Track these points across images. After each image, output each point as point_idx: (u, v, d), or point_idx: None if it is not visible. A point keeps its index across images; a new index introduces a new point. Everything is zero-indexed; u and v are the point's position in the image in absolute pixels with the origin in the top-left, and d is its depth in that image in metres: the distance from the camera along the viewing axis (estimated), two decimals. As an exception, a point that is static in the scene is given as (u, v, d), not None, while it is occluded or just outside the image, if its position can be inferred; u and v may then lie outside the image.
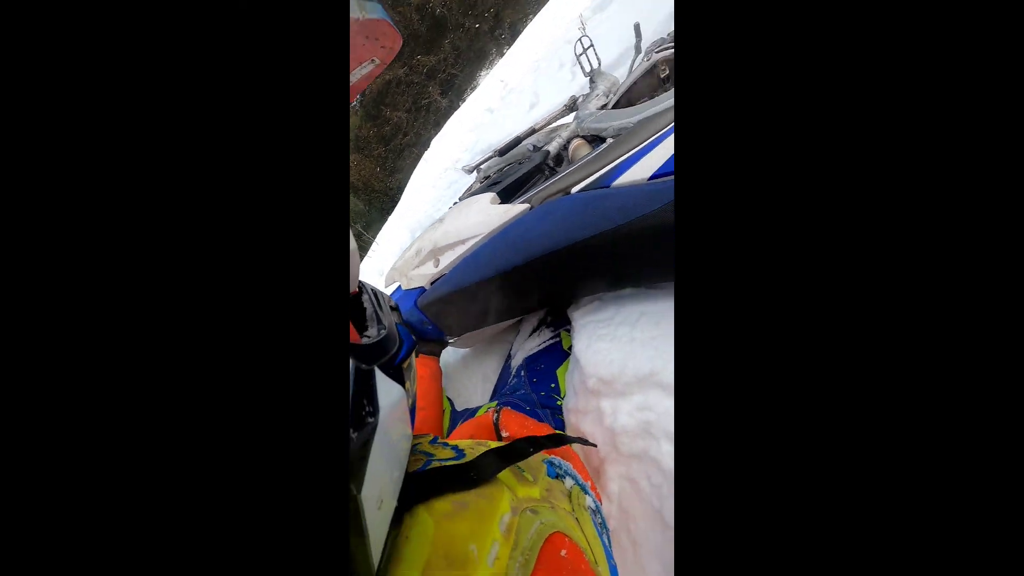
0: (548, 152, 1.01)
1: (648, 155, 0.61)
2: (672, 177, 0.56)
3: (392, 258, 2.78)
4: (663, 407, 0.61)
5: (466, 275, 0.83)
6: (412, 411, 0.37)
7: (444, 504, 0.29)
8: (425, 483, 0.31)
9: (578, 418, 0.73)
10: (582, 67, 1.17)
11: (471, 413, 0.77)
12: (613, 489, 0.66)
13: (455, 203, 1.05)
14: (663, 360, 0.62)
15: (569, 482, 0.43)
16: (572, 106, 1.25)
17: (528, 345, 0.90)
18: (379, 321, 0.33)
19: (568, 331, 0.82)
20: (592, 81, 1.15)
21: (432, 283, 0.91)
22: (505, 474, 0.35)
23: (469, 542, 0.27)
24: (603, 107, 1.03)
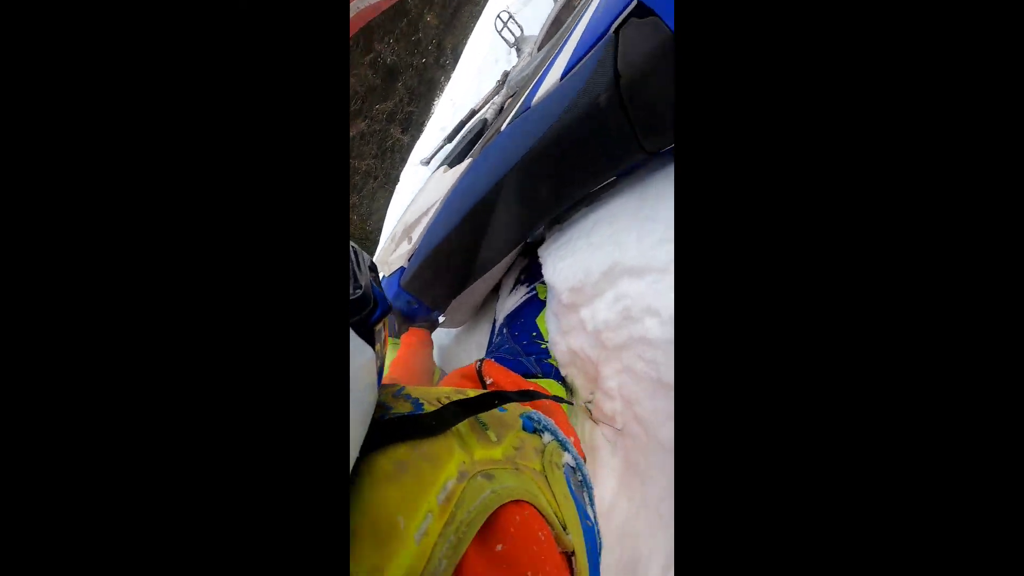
0: (486, 120, 1.06)
1: (556, 60, 0.65)
2: (584, 59, 0.58)
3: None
4: (635, 290, 0.63)
5: (433, 237, 0.86)
6: (380, 373, 0.36)
7: (386, 463, 0.27)
8: (373, 434, 0.28)
9: (565, 340, 0.75)
10: (505, 41, 1.23)
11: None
12: (612, 386, 0.68)
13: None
14: (621, 249, 0.65)
15: (547, 437, 0.41)
16: (504, 80, 1.31)
17: (507, 304, 0.92)
18: (355, 279, 0.33)
19: (543, 283, 0.84)
20: (518, 50, 1.21)
21: (410, 259, 0.95)
22: (467, 432, 0.33)
23: (398, 512, 0.24)
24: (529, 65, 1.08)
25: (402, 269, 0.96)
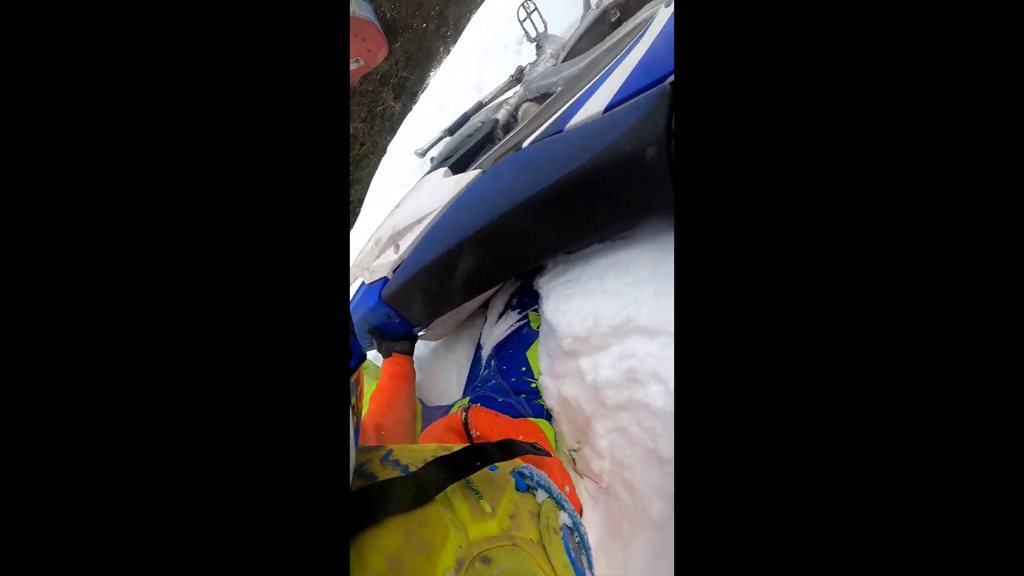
0: (497, 120, 0.98)
1: (601, 87, 0.58)
2: (633, 100, 0.51)
3: (354, 281, 2.70)
4: (644, 351, 0.58)
5: (426, 253, 0.79)
6: (356, 430, 0.34)
7: (378, 559, 0.25)
8: (357, 508, 0.27)
9: (557, 384, 0.70)
10: (527, 33, 1.14)
11: (442, 412, 0.73)
12: (603, 445, 0.64)
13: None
14: (637, 305, 0.60)
15: (541, 495, 0.39)
16: (519, 76, 1.22)
17: (496, 332, 0.86)
18: None
19: (536, 311, 0.78)
20: (539, 47, 1.12)
21: (394, 271, 0.87)
22: (459, 503, 0.31)
23: None
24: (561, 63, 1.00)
25: (385, 280, 0.88)
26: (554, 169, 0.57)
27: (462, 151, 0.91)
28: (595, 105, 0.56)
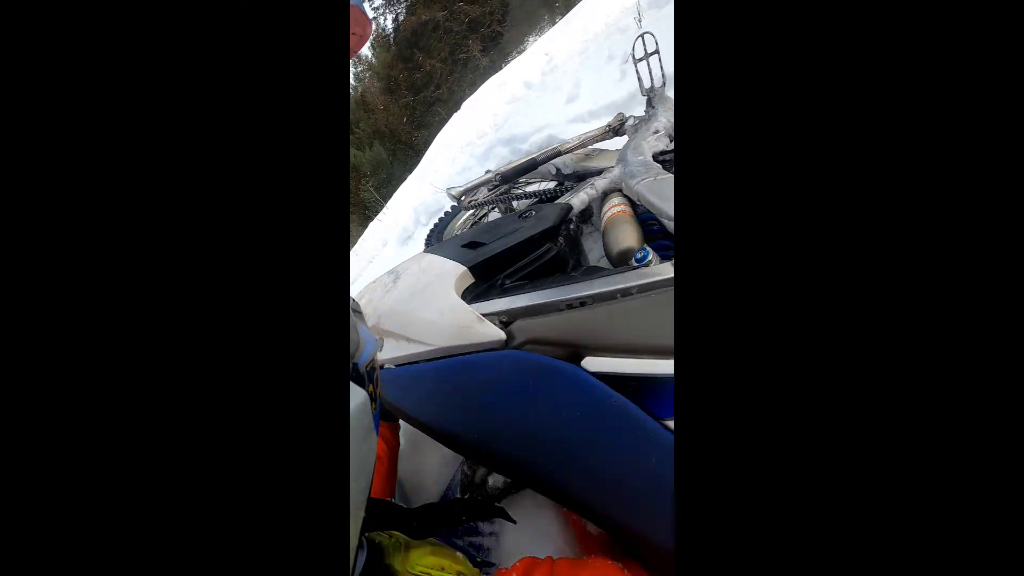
0: (571, 207, 0.68)
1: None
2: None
3: (399, 228, 2.52)
4: None
5: (407, 400, 0.54)
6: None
7: None
8: (380, 514, 0.31)
9: None
10: (640, 80, 0.81)
11: None
12: None
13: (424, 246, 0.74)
14: None
15: None
16: (618, 129, 0.90)
17: None
18: None
19: None
20: (650, 104, 0.80)
21: (397, 364, 0.62)
22: None
23: None
24: (662, 154, 0.68)
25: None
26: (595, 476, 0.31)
27: (503, 244, 0.62)
28: None
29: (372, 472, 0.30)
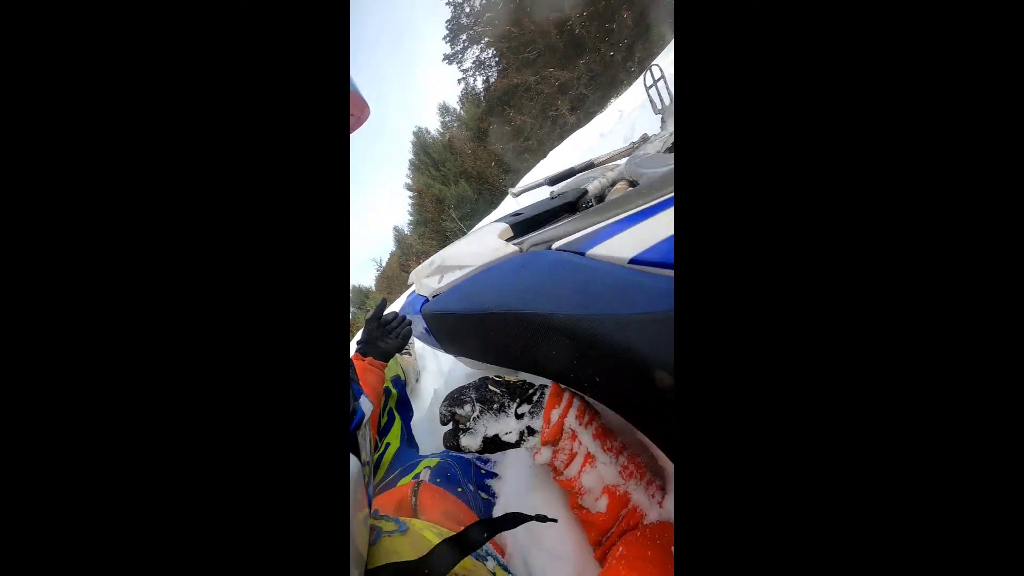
0: (586, 191, 0.92)
1: (637, 225, 0.49)
2: (661, 272, 0.42)
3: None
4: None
5: (450, 302, 0.78)
6: (369, 486, 0.34)
7: None
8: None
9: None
10: (652, 101, 1.05)
11: (404, 470, 0.72)
12: None
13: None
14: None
15: (491, 563, 0.41)
16: (641, 144, 1.13)
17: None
18: None
19: None
20: (664, 120, 1.03)
21: (433, 296, 0.88)
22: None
23: None
24: (668, 151, 0.91)
25: (426, 299, 0.89)
26: (554, 302, 0.50)
27: (534, 212, 0.87)
28: (621, 246, 0.47)
29: (366, 546, 0.29)
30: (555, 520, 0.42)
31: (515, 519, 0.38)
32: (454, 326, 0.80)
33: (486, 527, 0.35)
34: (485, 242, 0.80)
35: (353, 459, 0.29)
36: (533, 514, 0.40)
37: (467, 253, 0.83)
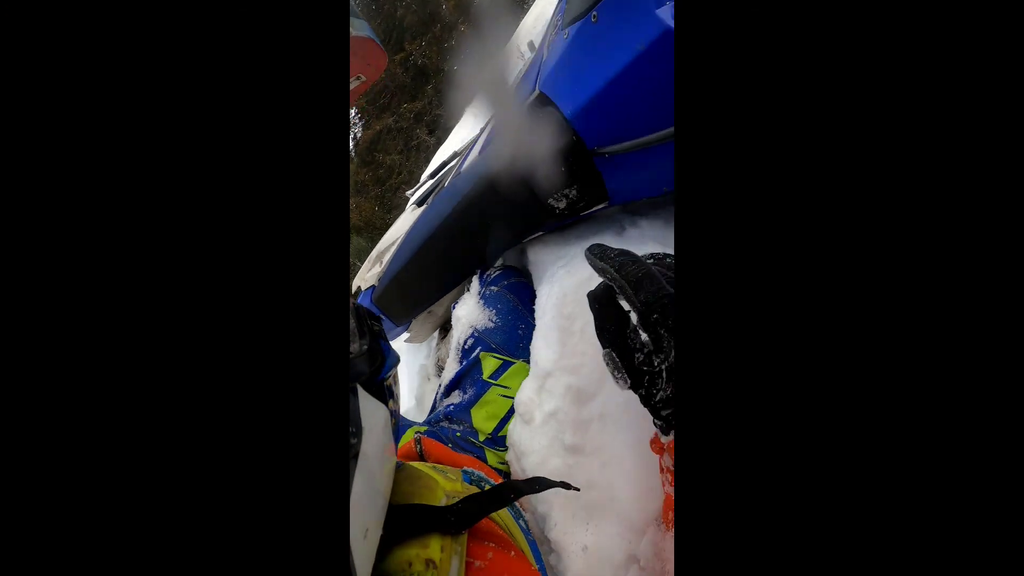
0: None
1: (483, 135, 0.82)
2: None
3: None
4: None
5: (396, 263, 1.06)
6: (396, 432, 0.35)
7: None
8: (408, 520, 0.30)
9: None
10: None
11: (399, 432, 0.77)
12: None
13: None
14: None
15: (522, 522, 0.44)
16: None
17: (448, 369, 0.81)
18: (360, 335, 0.32)
19: (489, 351, 0.74)
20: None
21: (379, 279, 1.16)
22: (429, 474, 0.37)
23: None
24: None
25: (373, 287, 1.17)
26: (446, 206, 0.83)
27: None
28: (477, 148, 0.81)
29: (390, 492, 0.29)
30: (578, 489, 0.44)
31: (541, 483, 0.40)
32: (404, 282, 1.04)
33: (512, 488, 0.37)
34: (407, 216, 1.11)
35: (382, 406, 0.29)
36: (559, 480, 0.41)
37: (395, 231, 1.13)
